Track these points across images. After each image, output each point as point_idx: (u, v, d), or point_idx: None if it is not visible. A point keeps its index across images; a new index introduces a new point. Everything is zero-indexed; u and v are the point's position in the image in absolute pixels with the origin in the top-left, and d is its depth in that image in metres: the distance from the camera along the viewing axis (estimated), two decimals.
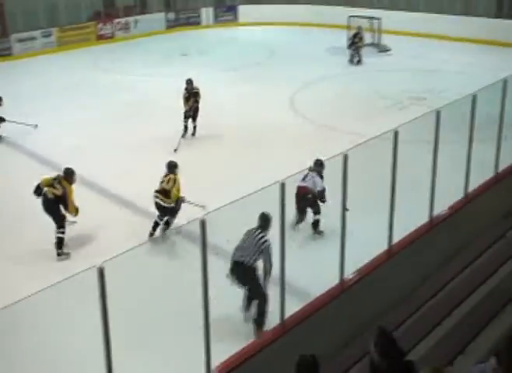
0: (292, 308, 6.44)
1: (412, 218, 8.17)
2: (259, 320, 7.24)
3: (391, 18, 24.32)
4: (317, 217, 9.57)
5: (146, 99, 17.15)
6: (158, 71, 20.68)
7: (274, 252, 6.57)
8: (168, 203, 9.51)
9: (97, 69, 20.93)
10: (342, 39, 23.02)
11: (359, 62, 21.34)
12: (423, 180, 8.22)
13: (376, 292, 7.22)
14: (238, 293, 7.34)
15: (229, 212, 5.05)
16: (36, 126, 14.75)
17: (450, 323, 6.71)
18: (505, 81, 9.00)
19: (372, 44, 23.18)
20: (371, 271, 7.27)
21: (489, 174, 9.61)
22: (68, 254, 9.16)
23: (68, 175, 9.29)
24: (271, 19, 27.88)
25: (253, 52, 23.55)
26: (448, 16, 24.67)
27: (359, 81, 19.03)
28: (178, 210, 9.56)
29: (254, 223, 7.26)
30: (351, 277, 7.03)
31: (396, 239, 7.58)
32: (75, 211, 9.36)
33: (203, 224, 4.89)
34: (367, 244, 7.54)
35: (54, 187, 9.17)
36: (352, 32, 22.16)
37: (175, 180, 9.52)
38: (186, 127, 14.03)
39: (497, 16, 24.45)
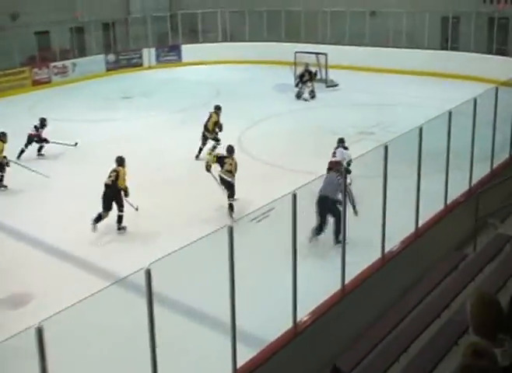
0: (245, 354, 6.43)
1: (364, 255, 8.34)
2: (338, 232, 9.44)
3: (337, 53, 24.53)
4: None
5: (89, 145, 16.53)
6: (100, 115, 20.10)
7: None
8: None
9: (34, 116, 17.90)
10: (289, 75, 23.01)
11: (313, 97, 21.45)
12: (374, 216, 8.34)
13: (331, 332, 7.27)
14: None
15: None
16: (76, 144, 16.05)
17: (406, 359, 6.82)
18: (450, 114, 9.26)
19: (320, 80, 23.43)
20: (325, 312, 7.32)
21: (439, 206, 9.80)
22: None
23: None
24: (216, 58, 27.74)
25: (199, 92, 23.37)
26: (394, 49, 25.12)
27: (307, 118, 19.07)
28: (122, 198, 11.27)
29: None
30: (305, 319, 7.08)
31: (349, 278, 7.70)
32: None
33: (148, 274, 4.91)
34: (320, 285, 7.63)
35: None
36: (300, 69, 22.34)
37: (119, 172, 11.20)
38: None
39: (443, 48, 24.97)
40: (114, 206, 11.27)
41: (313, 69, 22.10)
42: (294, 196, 5.99)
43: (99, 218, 11.09)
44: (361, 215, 9.78)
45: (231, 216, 11.34)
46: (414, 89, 22.25)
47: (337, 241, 9.67)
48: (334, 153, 12.29)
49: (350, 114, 19.21)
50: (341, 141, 12.75)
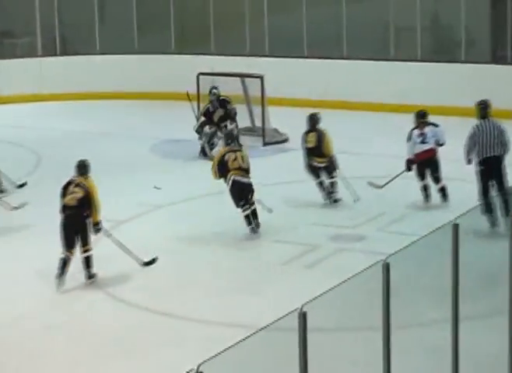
0: None
1: None
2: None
3: (284, 72, 17.58)
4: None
5: None
6: None
7: None
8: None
9: None
10: (186, 119, 15.51)
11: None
12: None
13: None
14: None
15: None
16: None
17: None
18: None
19: (249, 130, 16.01)
20: None
21: None
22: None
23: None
24: (34, 88, 19.17)
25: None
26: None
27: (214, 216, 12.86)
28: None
29: None
30: None
31: None
32: None
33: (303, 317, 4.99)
34: None
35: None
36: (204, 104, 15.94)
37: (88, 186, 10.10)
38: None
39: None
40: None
41: (230, 105, 15.34)
42: (456, 227, 5.98)
43: (64, 266, 9.51)
44: None
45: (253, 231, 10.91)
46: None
47: None
48: (422, 134, 11.31)
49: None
50: (423, 116, 11.52)
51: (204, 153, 14.72)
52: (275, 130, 15.77)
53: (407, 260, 7.09)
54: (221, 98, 14.89)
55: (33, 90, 19.37)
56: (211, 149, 14.83)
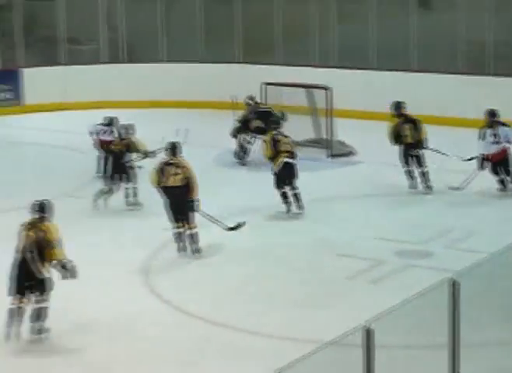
0: None
1: None
2: None
3: (352, 84, 17.45)
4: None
5: None
6: None
7: None
8: None
9: None
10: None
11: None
12: None
13: None
14: None
15: None
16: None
17: None
18: None
19: (314, 142, 15.93)
20: None
21: None
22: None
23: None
24: (99, 95, 19.46)
25: (63, 172, 15.37)
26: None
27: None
28: None
29: None
30: None
31: None
32: None
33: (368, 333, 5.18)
34: None
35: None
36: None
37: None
38: None
39: None
40: None
41: (276, 112, 15.17)
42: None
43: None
44: None
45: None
46: None
47: None
48: (495, 135, 11.86)
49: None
50: (494, 115, 12.02)
51: (238, 157, 15.22)
52: (342, 143, 15.88)
53: (475, 278, 7.10)
54: (262, 109, 15.30)
55: (98, 97, 19.98)
56: (243, 156, 15.31)
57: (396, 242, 11.15)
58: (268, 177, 12.73)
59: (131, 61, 20.89)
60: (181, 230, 10.59)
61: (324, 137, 15.91)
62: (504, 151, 12.06)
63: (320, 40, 20.16)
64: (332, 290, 9.83)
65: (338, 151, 15.75)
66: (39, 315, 8.57)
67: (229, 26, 20.54)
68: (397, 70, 18.70)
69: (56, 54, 21.04)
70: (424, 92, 18.11)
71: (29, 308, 8.48)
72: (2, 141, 16.85)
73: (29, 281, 8.59)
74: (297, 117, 15.19)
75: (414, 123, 12.75)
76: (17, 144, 17.34)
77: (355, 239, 11.25)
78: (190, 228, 10.55)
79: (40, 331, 8.53)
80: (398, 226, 11.79)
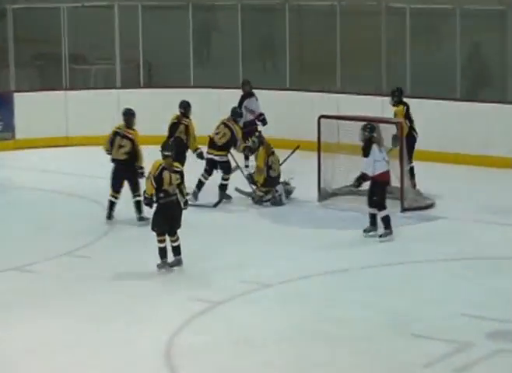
0: None
1: None
2: None
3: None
4: None
5: None
6: None
7: None
8: None
9: None
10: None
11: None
12: None
13: None
14: None
15: None
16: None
17: None
18: None
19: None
20: None
21: None
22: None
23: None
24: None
25: (72, 220, 15.93)
26: None
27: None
28: None
29: None
30: None
31: None
32: None
33: None
34: None
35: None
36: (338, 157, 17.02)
37: None
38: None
39: None
40: None
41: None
42: None
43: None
44: None
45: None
46: None
47: None
48: None
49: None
50: None
51: (255, 200, 16.22)
52: (418, 192, 15.96)
53: None
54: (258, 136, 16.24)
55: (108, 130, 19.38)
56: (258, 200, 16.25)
57: (488, 320, 10.80)
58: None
59: (151, 85, 21.30)
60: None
61: (396, 185, 15.40)
62: None
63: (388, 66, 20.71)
64: None
65: (412, 204, 15.66)
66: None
67: (277, 48, 21.74)
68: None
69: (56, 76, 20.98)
70: None
71: None
72: None
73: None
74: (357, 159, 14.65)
75: None
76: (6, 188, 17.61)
77: (434, 315, 10.99)
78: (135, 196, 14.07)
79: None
80: (491, 299, 11.49)
